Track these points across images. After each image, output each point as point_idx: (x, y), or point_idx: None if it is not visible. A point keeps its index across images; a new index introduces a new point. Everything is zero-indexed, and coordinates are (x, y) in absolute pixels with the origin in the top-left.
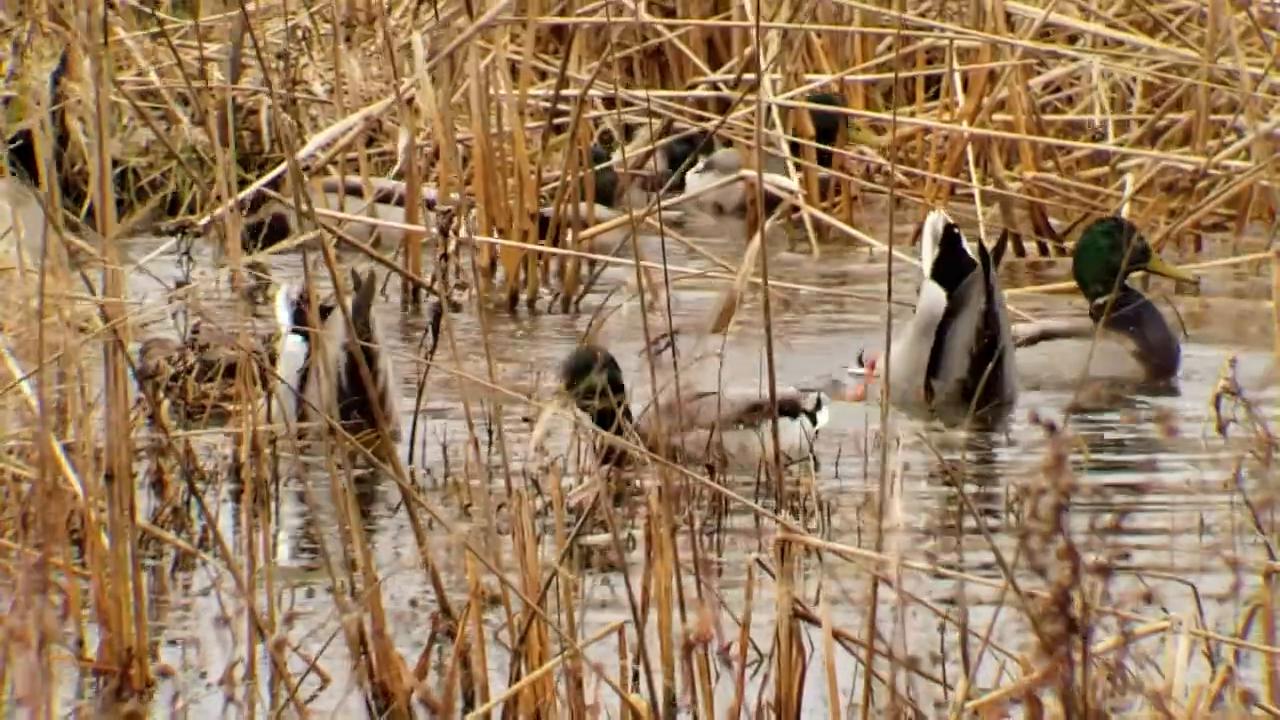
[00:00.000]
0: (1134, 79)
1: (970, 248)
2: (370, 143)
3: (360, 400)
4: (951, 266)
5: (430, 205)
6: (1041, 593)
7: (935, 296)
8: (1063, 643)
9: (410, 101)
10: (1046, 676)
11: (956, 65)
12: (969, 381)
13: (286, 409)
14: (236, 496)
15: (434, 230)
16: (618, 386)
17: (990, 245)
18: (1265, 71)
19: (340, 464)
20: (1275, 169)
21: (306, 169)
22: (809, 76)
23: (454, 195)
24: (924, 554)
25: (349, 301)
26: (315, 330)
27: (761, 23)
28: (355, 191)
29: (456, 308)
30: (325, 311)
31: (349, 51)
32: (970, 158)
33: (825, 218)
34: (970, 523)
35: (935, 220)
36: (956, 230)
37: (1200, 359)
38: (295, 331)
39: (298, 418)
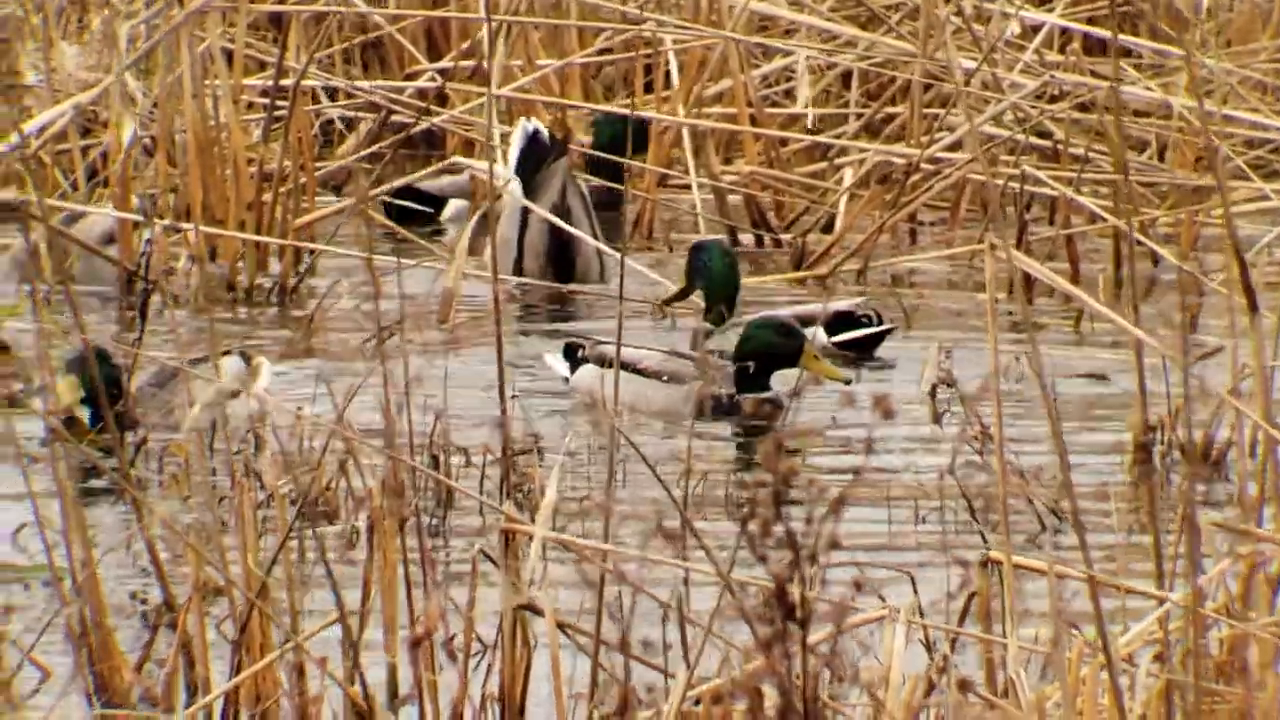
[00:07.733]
0: (849, 72)
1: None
2: (86, 133)
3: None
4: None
5: None
6: (762, 581)
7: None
8: (779, 635)
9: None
10: (766, 667)
11: (672, 54)
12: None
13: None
14: None
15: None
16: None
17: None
18: (978, 66)
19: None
20: (988, 162)
21: (22, 157)
22: (541, 61)
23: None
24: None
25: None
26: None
27: (485, 14)
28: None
29: (176, 298)
30: None
31: (64, 40)
32: (689, 149)
33: (533, 208)
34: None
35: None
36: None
37: (910, 352)
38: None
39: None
